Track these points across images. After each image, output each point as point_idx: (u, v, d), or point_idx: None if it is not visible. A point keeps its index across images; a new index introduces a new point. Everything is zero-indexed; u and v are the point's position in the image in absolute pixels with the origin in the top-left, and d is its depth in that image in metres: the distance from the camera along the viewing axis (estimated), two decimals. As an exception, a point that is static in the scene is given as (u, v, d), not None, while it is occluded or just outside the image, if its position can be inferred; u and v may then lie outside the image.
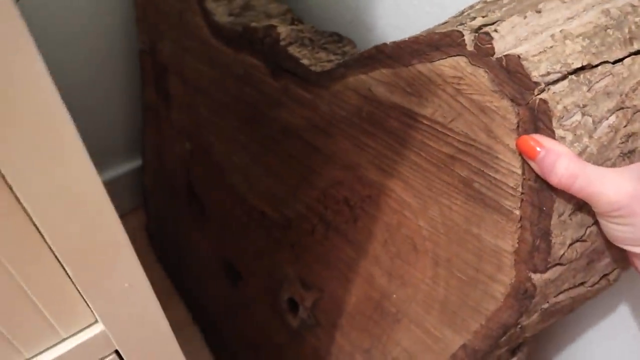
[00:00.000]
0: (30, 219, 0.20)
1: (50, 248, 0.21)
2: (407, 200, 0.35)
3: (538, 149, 0.26)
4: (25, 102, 0.17)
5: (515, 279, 0.29)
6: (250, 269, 0.57)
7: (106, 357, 0.27)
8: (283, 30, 0.44)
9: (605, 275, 0.31)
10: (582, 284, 0.31)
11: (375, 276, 0.39)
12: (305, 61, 0.41)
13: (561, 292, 0.30)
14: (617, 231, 0.26)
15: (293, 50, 0.43)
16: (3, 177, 0.18)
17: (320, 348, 0.48)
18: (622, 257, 0.31)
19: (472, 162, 0.30)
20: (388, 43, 0.33)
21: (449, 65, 0.30)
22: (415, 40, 0.31)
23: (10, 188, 0.19)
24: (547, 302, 0.30)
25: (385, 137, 0.35)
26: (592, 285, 0.31)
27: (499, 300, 0.31)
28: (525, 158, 0.27)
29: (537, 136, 0.26)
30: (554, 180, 0.26)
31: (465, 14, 0.32)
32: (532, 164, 0.27)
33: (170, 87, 0.64)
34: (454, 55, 0.29)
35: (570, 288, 0.30)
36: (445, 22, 0.32)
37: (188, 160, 0.64)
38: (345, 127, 0.38)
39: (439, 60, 0.30)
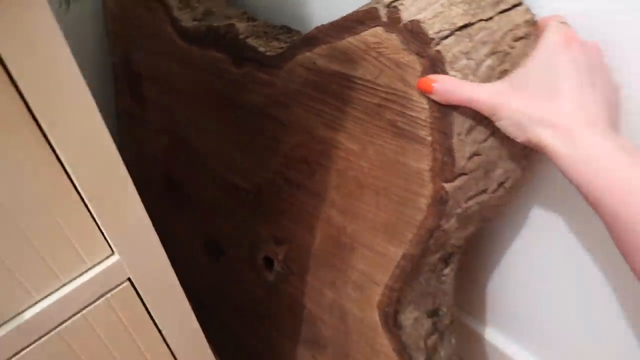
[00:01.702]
0: (63, 167, 0.27)
1: (78, 192, 0.28)
2: (351, 147, 0.44)
3: (432, 84, 0.35)
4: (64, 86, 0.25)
5: (433, 190, 0.39)
6: (230, 241, 0.64)
7: (122, 283, 0.33)
8: (241, 26, 0.53)
9: (501, 183, 0.41)
10: (484, 191, 0.40)
11: (333, 216, 0.48)
12: (261, 49, 0.50)
13: (469, 199, 0.40)
14: (507, 130, 0.36)
15: (251, 41, 0.52)
16: (45, 135, 0.25)
17: (295, 293, 0.56)
18: (512, 168, 0.41)
19: (394, 107, 0.39)
20: (325, 24, 0.43)
21: (371, 34, 0.39)
22: (345, 19, 0.41)
23: (48, 141, 0.26)
24: (460, 207, 0.40)
25: (329, 100, 0.44)
26: (492, 192, 0.41)
27: (424, 210, 0.40)
28: (426, 94, 0.36)
29: (429, 75, 0.36)
30: (444, 97, 0.35)
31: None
32: (432, 96, 0.36)
33: (145, 91, 0.72)
34: (374, 26, 0.39)
35: (475, 195, 0.40)
36: (366, 4, 0.42)
37: (166, 154, 0.72)
38: (298, 97, 0.47)
39: (363, 31, 0.40)
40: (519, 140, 0.36)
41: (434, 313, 0.48)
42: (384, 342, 0.47)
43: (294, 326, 0.58)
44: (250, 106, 0.53)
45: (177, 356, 0.38)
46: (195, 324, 0.39)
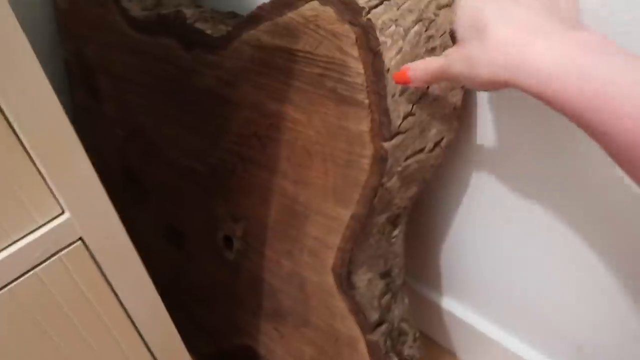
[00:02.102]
0: (9, 123, 0.28)
1: (25, 149, 0.30)
2: (298, 117, 0.46)
3: (407, 73, 0.38)
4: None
5: (374, 150, 0.41)
6: (190, 225, 0.66)
7: (74, 242, 0.35)
8: (189, 12, 0.55)
9: (437, 143, 0.44)
10: (421, 150, 0.43)
11: (286, 187, 0.50)
12: (208, 31, 0.52)
13: (408, 157, 0.43)
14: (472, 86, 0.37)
15: (198, 25, 0.53)
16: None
17: (254, 269, 0.58)
18: (446, 128, 0.44)
19: (334, 74, 0.42)
20: (266, 2, 0.45)
21: (309, 8, 0.42)
22: (284, -4, 0.43)
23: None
24: (399, 165, 0.42)
25: (275, 74, 0.46)
26: (429, 152, 0.44)
27: (367, 170, 0.42)
28: (405, 84, 0.39)
29: (402, 67, 0.39)
30: (422, 79, 0.38)
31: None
32: (413, 84, 0.39)
33: (99, 84, 0.72)
34: (311, 0, 0.41)
35: (413, 154, 0.43)
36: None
37: (122, 146, 0.72)
38: (246, 74, 0.49)
39: (301, 6, 0.42)
40: (490, 89, 0.37)
41: (386, 274, 0.51)
42: (340, 304, 0.49)
43: (255, 301, 0.59)
44: (201, 89, 0.55)
45: (133, 318, 0.39)
46: (151, 287, 0.40)
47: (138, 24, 0.60)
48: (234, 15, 0.57)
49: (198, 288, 0.69)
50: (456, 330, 0.68)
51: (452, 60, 0.36)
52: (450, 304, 0.67)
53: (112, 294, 0.38)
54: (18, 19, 0.27)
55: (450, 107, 0.43)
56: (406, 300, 0.53)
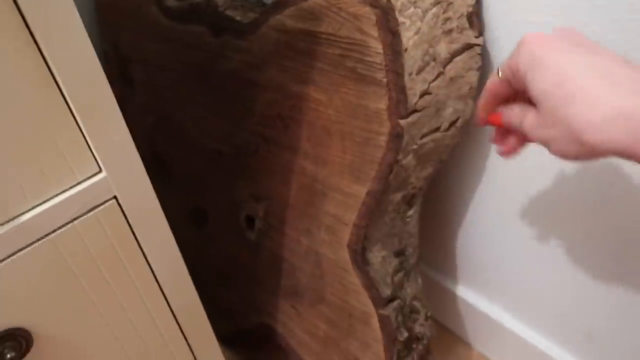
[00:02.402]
0: (58, 86, 0.31)
1: (72, 111, 0.33)
2: (319, 97, 0.48)
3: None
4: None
5: (391, 127, 0.43)
6: (214, 206, 0.68)
7: (109, 200, 0.38)
8: (220, 0, 0.58)
9: (452, 122, 0.46)
10: (437, 129, 0.45)
11: (306, 167, 0.52)
12: (238, 18, 0.55)
13: (424, 135, 0.44)
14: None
15: (229, 12, 0.56)
16: (48, 65, 0.30)
17: (274, 247, 0.60)
18: (461, 108, 0.45)
19: (354, 55, 0.44)
20: (292, -12, 0.48)
21: (331, -8, 0.44)
22: (309, -19, 0.46)
23: (49, 68, 0.30)
24: (415, 143, 0.44)
25: (298, 56, 0.49)
26: (445, 131, 0.45)
27: (383, 147, 0.44)
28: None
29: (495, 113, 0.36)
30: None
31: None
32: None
33: (134, 74, 0.76)
34: (334, -15, 0.44)
35: (429, 132, 0.44)
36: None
37: (151, 132, 0.76)
38: (272, 58, 0.52)
39: (325, -10, 0.44)
40: (589, 159, 0.30)
41: (400, 253, 0.52)
42: (354, 280, 0.51)
43: (275, 280, 0.62)
44: (228, 73, 0.57)
45: (157, 277, 0.42)
46: (176, 251, 0.43)
47: (172, 13, 0.63)
48: (262, 3, 0.59)
49: (221, 269, 0.72)
50: (469, 318, 0.69)
51: (538, 130, 0.32)
52: (463, 292, 0.68)
53: (140, 252, 0.40)
54: None
55: (467, 87, 0.45)
56: (419, 280, 0.54)
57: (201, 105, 0.64)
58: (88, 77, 0.32)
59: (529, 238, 0.57)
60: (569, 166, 0.48)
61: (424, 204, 0.62)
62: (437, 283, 0.70)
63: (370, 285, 0.50)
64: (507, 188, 0.55)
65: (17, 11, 0.29)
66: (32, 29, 0.29)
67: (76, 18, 0.31)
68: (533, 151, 0.48)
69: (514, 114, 0.34)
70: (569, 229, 0.52)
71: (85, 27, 0.82)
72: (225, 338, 0.74)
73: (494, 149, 0.54)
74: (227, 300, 0.73)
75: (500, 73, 0.34)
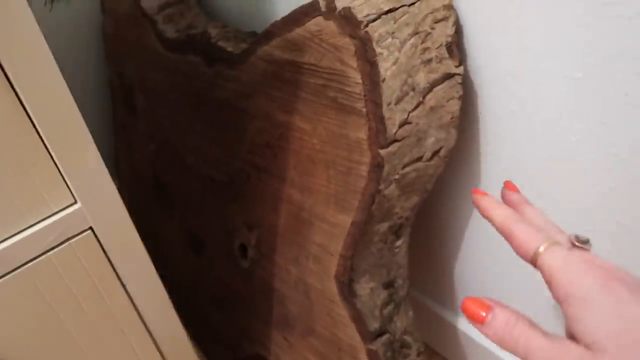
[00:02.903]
0: (29, 116, 0.32)
1: (44, 143, 0.33)
2: (303, 126, 0.48)
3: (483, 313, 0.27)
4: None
5: (371, 157, 0.43)
6: (209, 233, 0.68)
7: (84, 231, 0.38)
8: (214, 31, 0.59)
9: (435, 152, 0.45)
10: (419, 158, 0.44)
11: (293, 195, 0.52)
12: (229, 49, 0.56)
13: (406, 165, 0.44)
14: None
15: (221, 43, 0.57)
16: (19, 99, 0.30)
17: (265, 276, 0.59)
18: (443, 137, 0.45)
19: (335, 85, 0.44)
20: (278, 20, 0.48)
21: (314, 24, 0.44)
22: (293, 13, 0.46)
23: (17, 95, 0.31)
24: (397, 173, 0.43)
25: (284, 86, 0.49)
26: (428, 161, 0.45)
27: (365, 176, 0.44)
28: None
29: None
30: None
31: (323, -9, 0.47)
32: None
33: (137, 101, 0.78)
34: (316, 16, 0.44)
35: (411, 162, 0.44)
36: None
37: (153, 159, 0.77)
38: (260, 87, 0.52)
39: (308, 22, 0.45)
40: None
41: (389, 284, 0.51)
42: (342, 312, 0.50)
43: (266, 309, 0.61)
44: (221, 101, 0.58)
45: (138, 307, 0.42)
46: (157, 281, 0.43)
47: (170, 44, 0.65)
48: (254, 34, 0.60)
49: (216, 296, 0.72)
50: (469, 349, 0.66)
51: None
52: (462, 322, 0.66)
53: (119, 283, 0.40)
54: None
55: (448, 116, 0.44)
56: (410, 313, 0.53)
57: (198, 133, 0.65)
58: (60, 109, 0.33)
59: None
60: (562, 195, 0.47)
61: (422, 231, 0.61)
62: (435, 312, 0.68)
63: (358, 318, 0.49)
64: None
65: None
66: (5, 69, 0.30)
67: (47, 54, 0.31)
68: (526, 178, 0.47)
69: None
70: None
71: (93, 56, 0.84)
72: (222, 367, 0.73)
73: (484, 172, 0.53)
74: (223, 328, 0.72)
75: None
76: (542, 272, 0.29)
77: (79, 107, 0.34)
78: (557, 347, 0.25)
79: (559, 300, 0.27)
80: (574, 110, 0.42)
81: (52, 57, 0.32)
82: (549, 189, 0.47)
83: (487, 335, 0.27)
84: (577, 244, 0.29)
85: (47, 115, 0.33)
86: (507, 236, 0.31)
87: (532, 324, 0.27)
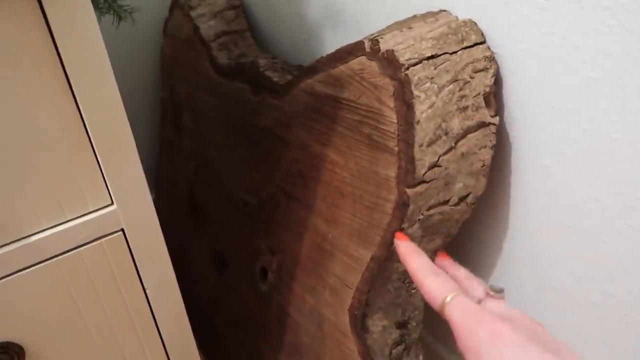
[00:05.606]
0: (83, 120, 0.35)
1: (92, 146, 0.36)
2: (336, 159, 0.50)
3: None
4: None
5: (398, 195, 0.43)
6: (234, 254, 0.70)
7: (116, 232, 0.40)
8: (263, 61, 0.62)
9: (462, 197, 0.45)
10: (445, 202, 0.44)
11: (318, 225, 0.53)
12: (275, 79, 0.59)
13: (431, 207, 0.44)
14: None
15: (268, 73, 0.60)
16: (78, 108, 0.33)
17: (282, 302, 0.60)
18: (472, 184, 0.45)
19: (370, 122, 0.46)
20: (324, 56, 0.51)
21: (357, 63, 0.46)
22: (339, 51, 0.48)
23: (75, 99, 0.34)
24: (422, 214, 0.44)
25: (322, 119, 0.51)
26: (454, 205, 0.45)
27: (390, 214, 0.44)
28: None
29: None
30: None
31: (369, 34, 0.49)
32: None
33: (184, 121, 0.82)
34: (360, 56, 0.46)
35: (437, 204, 0.44)
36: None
37: (192, 176, 0.80)
38: (300, 118, 0.54)
39: (351, 60, 0.47)
40: None
41: (402, 325, 0.51)
42: (352, 346, 0.50)
43: (279, 336, 0.61)
44: (263, 128, 0.61)
45: (155, 314, 0.43)
46: (177, 291, 0.44)
47: (222, 70, 0.68)
48: (301, 67, 0.63)
49: (232, 318, 0.72)
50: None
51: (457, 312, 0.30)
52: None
53: (140, 287, 0.42)
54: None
55: (479, 163, 0.45)
56: (421, 358, 0.52)
57: (238, 157, 0.67)
58: (111, 117, 0.35)
59: (548, 316, 0.53)
60: (587, 248, 0.46)
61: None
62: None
63: (367, 355, 0.49)
64: (524, 265, 0.53)
65: (59, 61, 0.32)
66: (69, 75, 0.33)
67: (107, 68, 0.34)
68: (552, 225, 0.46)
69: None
70: (588, 312, 0.49)
71: (149, 74, 0.89)
72: (229, 390, 0.73)
73: (511, 222, 0.52)
74: (233, 347, 0.72)
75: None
76: (449, 321, 0.31)
77: (130, 118, 0.37)
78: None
79: (461, 351, 0.28)
80: (612, 171, 0.41)
81: (111, 71, 0.35)
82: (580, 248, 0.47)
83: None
84: (490, 293, 0.31)
85: (98, 120, 0.35)
86: (419, 285, 0.35)
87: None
